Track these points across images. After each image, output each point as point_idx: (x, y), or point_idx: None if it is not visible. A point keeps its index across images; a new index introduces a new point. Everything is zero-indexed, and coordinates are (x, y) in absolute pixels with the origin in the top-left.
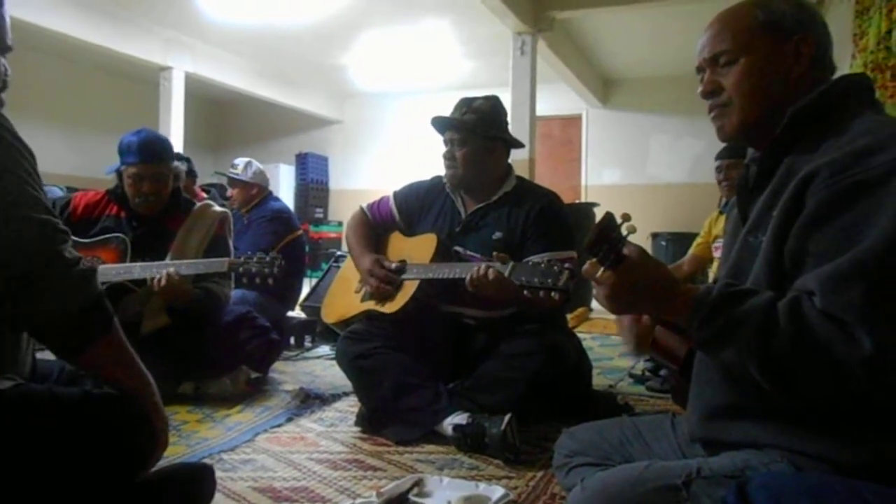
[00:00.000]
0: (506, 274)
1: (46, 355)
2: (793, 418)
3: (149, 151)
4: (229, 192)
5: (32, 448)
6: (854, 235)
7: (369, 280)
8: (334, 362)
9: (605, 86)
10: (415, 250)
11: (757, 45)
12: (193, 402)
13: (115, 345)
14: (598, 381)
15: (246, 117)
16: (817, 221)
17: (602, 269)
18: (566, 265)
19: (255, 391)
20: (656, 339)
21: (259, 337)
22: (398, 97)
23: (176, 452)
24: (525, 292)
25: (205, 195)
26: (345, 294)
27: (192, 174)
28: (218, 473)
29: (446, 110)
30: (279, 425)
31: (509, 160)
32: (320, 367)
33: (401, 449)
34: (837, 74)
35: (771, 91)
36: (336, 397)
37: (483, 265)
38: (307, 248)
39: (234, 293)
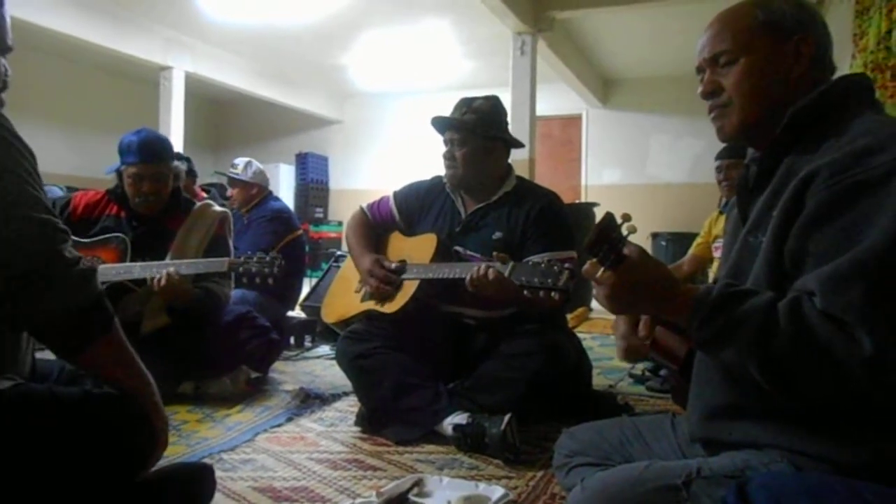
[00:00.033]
0: (506, 274)
1: (46, 355)
2: (793, 418)
3: (149, 151)
4: (229, 191)
5: (32, 448)
6: (854, 235)
7: (369, 280)
8: (334, 362)
9: (605, 86)
10: (415, 250)
11: (757, 45)
12: (193, 402)
13: (115, 344)
14: (598, 381)
15: (246, 117)
16: (817, 221)
17: (602, 269)
18: (566, 265)
19: (255, 391)
20: (656, 339)
21: (259, 337)
22: (398, 97)
23: (176, 452)
24: (525, 292)
25: (205, 195)
26: (345, 294)
27: (192, 174)
28: (218, 473)
29: (446, 110)
30: (279, 425)
31: (509, 160)
32: (320, 366)
33: (401, 449)
34: (838, 74)
35: (771, 91)
36: (336, 397)
37: (483, 265)
38: (307, 248)
39: (234, 293)
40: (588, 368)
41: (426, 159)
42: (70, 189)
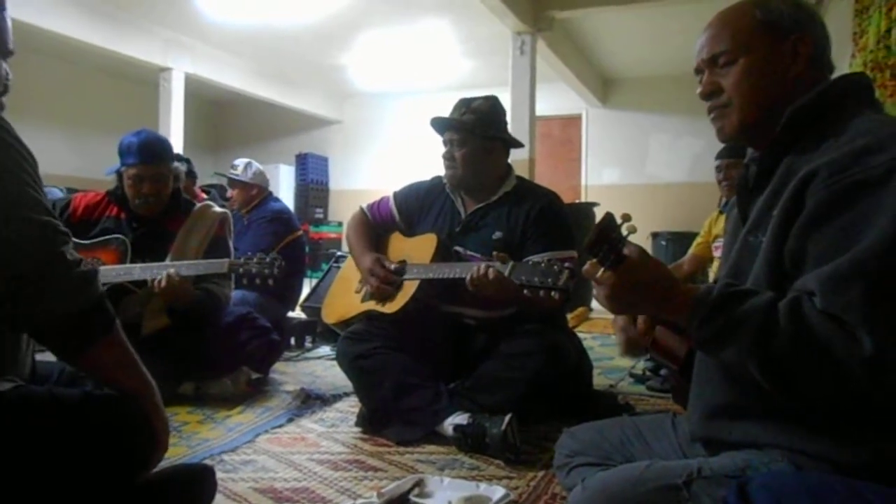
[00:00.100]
0: (506, 273)
1: (46, 356)
2: (793, 418)
3: (149, 152)
4: (229, 192)
5: (32, 449)
6: (854, 235)
7: (370, 280)
8: (335, 363)
9: (604, 85)
10: (415, 250)
11: (755, 45)
12: (194, 403)
13: (116, 346)
14: (599, 380)
15: (246, 118)
16: (817, 221)
17: (602, 269)
18: (566, 264)
19: (256, 392)
20: (656, 339)
21: (259, 337)
22: (398, 97)
23: (177, 453)
24: (525, 292)
25: (205, 196)
26: (345, 294)
27: (191, 175)
28: (219, 474)
29: (446, 110)
30: (280, 426)
31: (509, 160)
32: (321, 367)
33: (401, 449)
34: (838, 74)
35: (770, 91)
36: (337, 398)
37: (483, 265)
38: (307, 249)
39: (235, 294)
40: (588, 368)
41: (426, 159)
42: (70, 190)
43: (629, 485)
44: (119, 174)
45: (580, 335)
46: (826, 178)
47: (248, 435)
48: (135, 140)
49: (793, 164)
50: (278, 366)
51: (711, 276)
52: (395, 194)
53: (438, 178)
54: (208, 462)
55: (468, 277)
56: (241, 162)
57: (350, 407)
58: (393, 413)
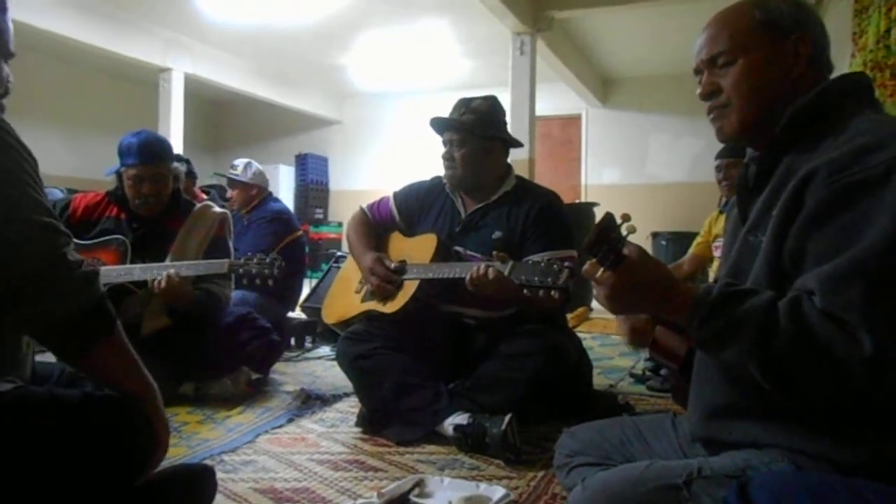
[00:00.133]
0: (505, 273)
1: (47, 357)
2: (793, 418)
3: (148, 153)
4: (229, 193)
5: (32, 450)
6: (853, 235)
7: (370, 278)
8: (335, 363)
9: (604, 85)
10: (415, 250)
11: (755, 45)
12: (194, 404)
13: (117, 347)
14: (599, 380)
15: (245, 118)
16: (817, 221)
17: (602, 269)
18: (566, 264)
19: (256, 392)
20: (656, 339)
21: (259, 338)
22: (397, 97)
23: (177, 454)
24: (525, 291)
25: (205, 196)
26: (345, 294)
27: (191, 175)
28: (219, 475)
29: (445, 110)
30: (280, 426)
31: (509, 160)
32: (321, 367)
33: (401, 449)
34: (838, 73)
35: (770, 91)
36: (337, 398)
37: (483, 264)
38: (307, 249)
39: (235, 294)
40: (588, 368)
41: (426, 159)
42: (70, 191)
43: (629, 485)
44: (119, 174)
45: (580, 335)
46: (826, 178)
47: (248, 435)
48: (134, 140)
49: (793, 164)
50: (278, 366)
51: (711, 275)
52: (395, 194)
53: (438, 178)
54: (208, 462)
55: (468, 277)
56: (240, 162)
57: (350, 407)
58: (393, 413)
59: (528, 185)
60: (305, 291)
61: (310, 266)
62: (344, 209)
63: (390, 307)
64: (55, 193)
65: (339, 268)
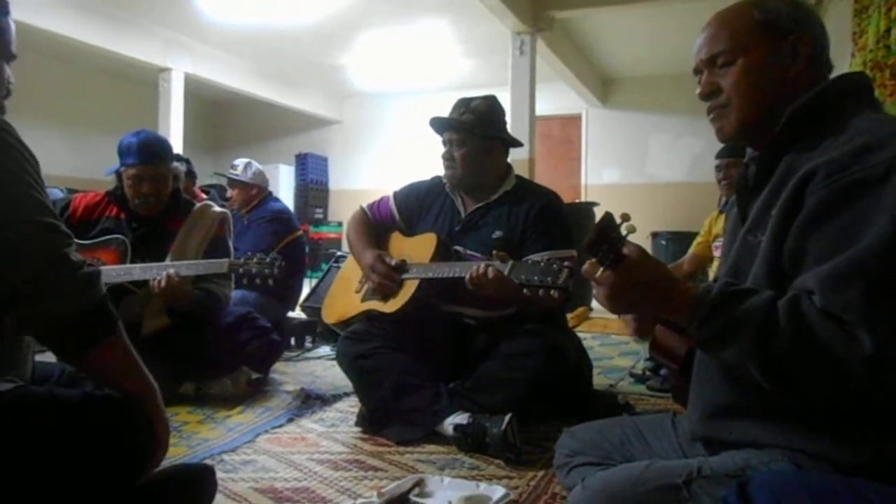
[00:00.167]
0: (505, 272)
1: (47, 357)
2: (793, 417)
3: (148, 152)
4: (229, 192)
5: (32, 450)
6: (853, 234)
7: (371, 276)
8: (335, 363)
9: (604, 85)
10: (415, 250)
11: (754, 45)
12: (194, 403)
13: (118, 348)
14: (599, 380)
15: (245, 118)
16: (816, 220)
17: (602, 269)
18: (566, 263)
19: (256, 392)
20: (656, 339)
21: (260, 338)
22: (397, 97)
23: (177, 453)
24: (525, 291)
25: (204, 196)
26: (345, 294)
27: (191, 175)
28: (219, 474)
29: (445, 110)
30: (280, 426)
31: (509, 159)
32: (321, 367)
33: (401, 449)
34: (838, 73)
35: (769, 91)
36: (337, 398)
37: (483, 264)
38: (307, 249)
39: (235, 294)
40: (588, 368)
41: (426, 159)
42: (70, 191)
43: (629, 484)
44: (119, 174)
45: (580, 335)
46: (825, 177)
47: (248, 435)
48: (134, 140)
49: (792, 164)
50: (278, 366)
51: (711, 275)
52: (395, 194)
53: (438, 177)
54: (208, 462)
55: (468, 276)
56: (240, 162)
57: (350, 407)
58: (393, 413)
59: (528, 184)
60: (305, 291)
61: (310, 266)
62: (344, 209)
63: (390, 307)
64: (55, 193)
65: (339, 267)
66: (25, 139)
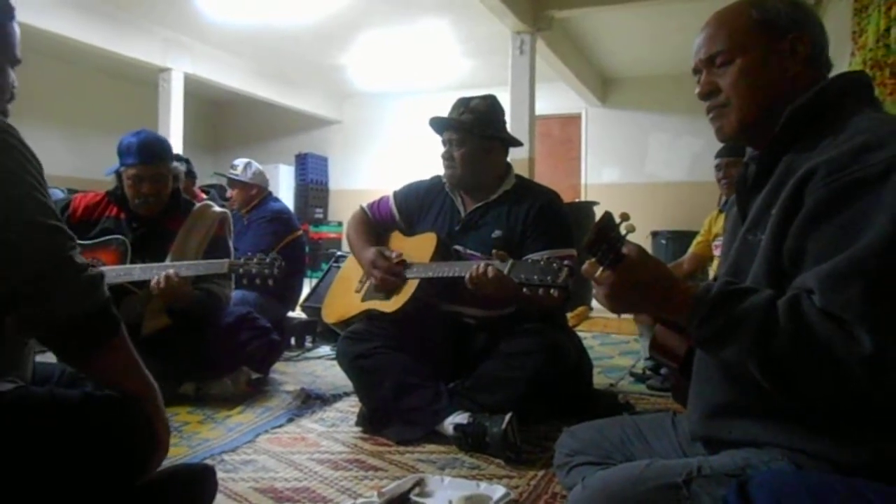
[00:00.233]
0: (505, 272)
1: (47, 357)
2: (793, 417)
3: (148, 152)
4: (229, 192)
5: (32, 450)
6: (853, 233)
7: (373, 272)
8: (335, 362)
9: (604, 85)
10: (415, 250)
11: (752, 45)
12: (194, 403)
13: (120, 350)
14: (599, 379)
15: (245, 118)
16: (816, 220)
17: (601, 268)
18: (565, 263)
19: (256, 392)
20: (656, 338)
21: (260, 338)
22: (397, 97)
23: (177, 453)
24: (524, 290)
25: (204, 196)
26: (345, 294)
27: (191, 175)
28: (219, 474)
29: (445, 110)
30: (280, 426)
31: (508, 159)
32: (321, 367)
33: (402, 449)
34: (837, 72)
35: (768, 90)
36: (337, 397)
37: (482, 263)
38: (307, 249)
39: (235, 294)
40: (588, 367)
41: (426, 159)
42: (70, 191)
43: (629, 483)
44: (118, 174)
45: (580, 334)
46: (825, 177)
47: (248, 435)
48: (134, 140)
49: (792, 163)
50: (278, 366)
51: (711, 274)
52: (395, 194)
53: (438, 177)
54: (209, 462)
55: (468, 276)
56: (240, 162)
57: (350, 407)
58: (393, 413)
59: (528, 183)
60: (305, 291)
61: (310, 266)
62: (344, 209)
63: (390, 306)
64: (55, 193)
65: (339, 267)
66: (25, 139)
